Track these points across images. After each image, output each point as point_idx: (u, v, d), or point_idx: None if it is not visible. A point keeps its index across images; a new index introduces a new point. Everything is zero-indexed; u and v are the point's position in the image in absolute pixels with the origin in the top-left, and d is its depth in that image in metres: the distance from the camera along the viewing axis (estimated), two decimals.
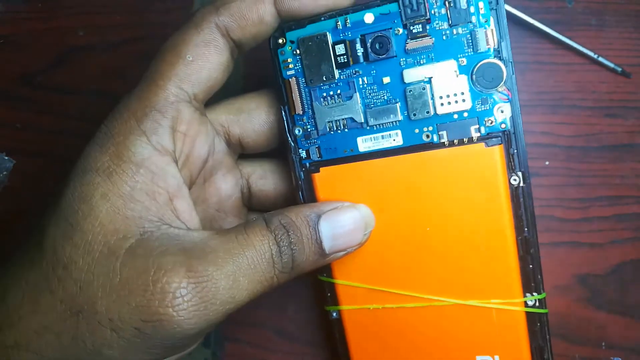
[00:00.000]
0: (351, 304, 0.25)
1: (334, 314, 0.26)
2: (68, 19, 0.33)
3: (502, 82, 0.22)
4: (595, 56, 0.31)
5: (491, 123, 0.23)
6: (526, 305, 0.23)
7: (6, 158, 0.32)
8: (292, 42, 0.24)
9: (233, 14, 0.22)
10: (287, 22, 0.23)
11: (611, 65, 0.31)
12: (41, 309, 0.19)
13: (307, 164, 0.25)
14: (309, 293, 0.30)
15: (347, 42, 0.23)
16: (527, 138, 0.31)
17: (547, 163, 0.31)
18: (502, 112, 0.22)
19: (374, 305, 0.25)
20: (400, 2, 0.22)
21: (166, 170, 0.21)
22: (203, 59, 0.22)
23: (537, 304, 0.24)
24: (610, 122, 0.31)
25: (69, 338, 0.19)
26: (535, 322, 0.24)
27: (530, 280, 0.23)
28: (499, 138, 0.23)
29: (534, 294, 0.23)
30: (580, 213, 0.31)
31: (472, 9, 0.22)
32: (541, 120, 0.31)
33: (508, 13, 0.31)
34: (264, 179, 0.27)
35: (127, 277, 0.19)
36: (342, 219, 0.22)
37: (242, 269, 0.20)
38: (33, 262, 0.20)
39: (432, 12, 0.22)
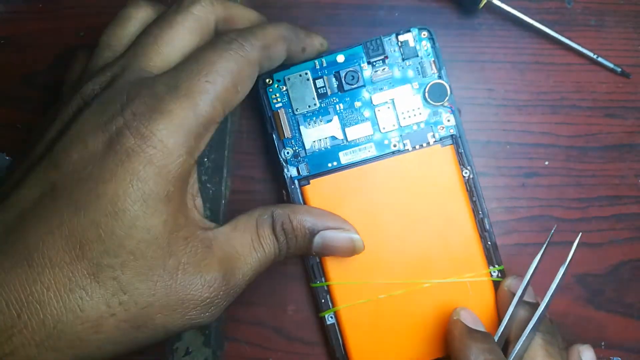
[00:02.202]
0: (346, 303, 0.28)
1: (329, 319, 0.28)
2: (69, 20, 0.33)
3: (447, 98, 0.28)
4: (595, 56, 0.31)
5: (442, 129, 0.29)
6: (491, 275, 0.28)
7: (7, 158, 0.32)
8: (278, 80, 0.29)
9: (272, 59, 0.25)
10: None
11: (610, 65, 0.31)
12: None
13: (297, 180, 0.29)
14: (309, 292, 0.31)
15: (325, 77, 0.29)
16: (526, 138, 0.31)
17: (546, 163, 0.31)
18: (448, 120, 0.29)
19: (367, 299, 0.28)
20: (364, 45, 0.29)
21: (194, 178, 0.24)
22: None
23: (500, 274, 0.28)
24: (609, 122, 0.31)
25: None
26: None
27: (491, 255, 0.28)
28: (450, 140, 0.29)
29: (496, 265, 0.28)
30: (579, 213, 0.31)
31: (417, 47, 0.29)
32: (541, 120, 0.31)
33: (508, 13, 0.31)
34: None
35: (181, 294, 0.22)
36: (336, 242, 0.26)
37: (256, 269, 0.24)
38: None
39: (389, 50, 0.29)
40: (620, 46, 0.32)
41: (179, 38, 0.23)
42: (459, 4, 0.32)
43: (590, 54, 0.31)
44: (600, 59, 0.31)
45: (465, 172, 0.29)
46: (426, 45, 0.29)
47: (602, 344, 0.30)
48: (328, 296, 0.28)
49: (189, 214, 0.22)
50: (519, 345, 0.25)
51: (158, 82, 0.21)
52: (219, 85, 0.21)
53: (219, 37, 0.23)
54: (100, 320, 0.20)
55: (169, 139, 0.20)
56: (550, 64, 0.32)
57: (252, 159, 0.32)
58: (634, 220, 0.31)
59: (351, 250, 0.26)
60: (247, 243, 0.24)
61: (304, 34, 0.27)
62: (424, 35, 0.29)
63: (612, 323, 0.30)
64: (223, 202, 0.31)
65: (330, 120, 0.29)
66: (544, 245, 0.27)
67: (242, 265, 0.23)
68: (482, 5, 0.30)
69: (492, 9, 0.31)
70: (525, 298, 0.27)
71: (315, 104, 0.29)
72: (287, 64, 0.28)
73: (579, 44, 0.31)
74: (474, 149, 0.31)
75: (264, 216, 0.24)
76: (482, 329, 0.26)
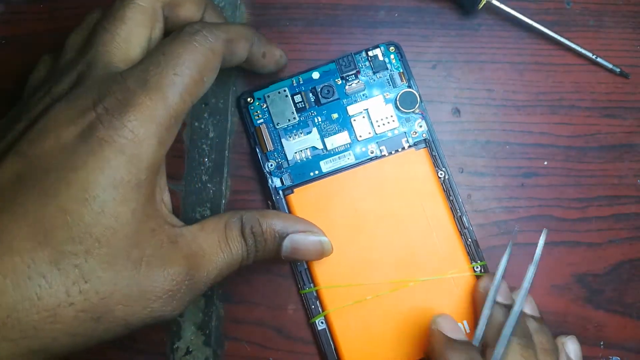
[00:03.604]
0: (335, 307, 0.29)
1: (320, 325, 0.29)
2: (69, 20, 0.33)
3: (417, 105, 0.30)
4: (594, 57, 0.31)
5: (415, 134, 0.30)
6: (474, 271, 0.29)
7: None
8: (259, 98, 0.31)
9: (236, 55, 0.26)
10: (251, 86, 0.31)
11: (609, 65, 0.31)
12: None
13: (281, 191, 0.30)
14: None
15: (302, 93, 0.31)
16: (526, 138, 0.31)
17: (545, 163, 0.31)
18: (420, 126, 0.30)
19: (355, 300, 0.29)
20: (337, 62, 0.31)
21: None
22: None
23: (482, 269, 0.29)
24: (608, 123, 0.32)
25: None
26: None
27: (473, 251, 0.29)
28: (424, 144, 0.30)
29: (478, 261, 0.29)
30: (578, 213, 0.31)
31: (386, 60, 0.31)
32: (540, 120, 0.32)
33: (507, 14, 0.31)
34: None
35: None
36: (305, 244, 0.26)
37: (221, 269, 0.24)
38: None
39: (360, 65, 0.31)
40: (619, 46, 0.32)
41: (134, 33, 0.23)
42: (458, 4, 0.32)
43: (589, 55, 0.31)
44: (599, 60, 0.31)
45: (441, 173, 0.30)
46: (394, 58, 0.31)
47: (601, 343, 0.30)
48: (318, 302, 0.29)
49: (157, 207, 0.23)
50: (498, 351, 0.25)
51: (128, 77, 0.21)
52: (187, 77, 0.22)
53: (184, 29, 0.23)
54: (57, 309, 0.19)
55: (140, 129, 0.21)
56: (549, 65, 0.32)
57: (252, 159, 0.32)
58: (633, 220, 0.31)
59: (320, 253, 0.27)
60: (214, 243, 0.24)
61: (265, 40, 0.28)
62: (392, 49, 0.31)
63: (611, 323, 0.30)
64: (223, 202, 0.31)
65: (309, 132, 0.30)
66: (508, 248, 0.27)
67: (207, 264, 0.23)
68: (481, 5, 0.31)
69: (491, 9, 0.31)
70: (501, 300, 0.27)
71: (294, 118, 0.30)
72: (263, 84, 0.31)
73: (578, 45, 0.31)
74: (473, 149, 0.31)
75: (232, 219, 0.25)
76: (462, 337, 0.26)
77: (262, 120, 0.31)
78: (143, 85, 0.21)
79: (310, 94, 0.31)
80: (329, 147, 0.30)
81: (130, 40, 0.23)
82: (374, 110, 0.30)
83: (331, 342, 0.29)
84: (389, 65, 0.31)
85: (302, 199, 0.30)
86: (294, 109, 0.30)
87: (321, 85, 0.31)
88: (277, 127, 0.30)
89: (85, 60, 0.23)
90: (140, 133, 0.21)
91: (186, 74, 0.22)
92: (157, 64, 0.22)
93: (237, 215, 0.25)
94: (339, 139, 0.30)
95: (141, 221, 0.21)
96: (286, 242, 0.26)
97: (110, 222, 0.20)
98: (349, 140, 0.30)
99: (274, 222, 0.25)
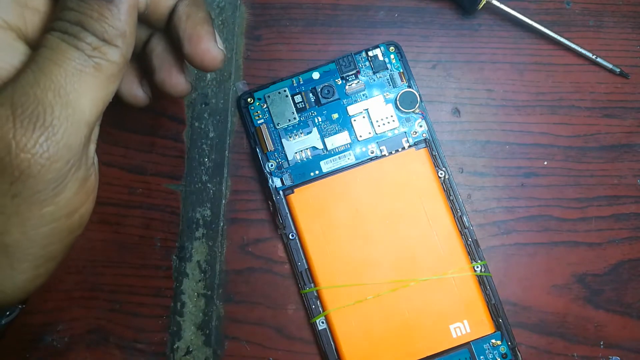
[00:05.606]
0: (335, 306, 0.29)
1: (321, 325, 0.29)
2: None
3: (417, 105, 0.30)
4: (594, 57, 0.31)
5: (415, 134, 0.31)
6: (475, 270, 0.29)
7: None
8: (259, 99, 0.31)
9: None
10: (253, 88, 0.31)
11: (609, 65, 0.31)
12: None
13: (281, 191, 0.30)
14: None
15: (303, 93, 0.31)
16: (525, 138, 0.31)
17: (545, 163, 0.31)
18: (420, 126, 0.31)
19: (356, 300, 0.29)
20: (337, 62, 0.31)
21: (12, 46, 0.20)
22: None
23: (483, 269, 0.29)
24: (608, 123, 0.32)
25: None
26: (485, 285, 0.29)
27: (473, 251, 0.29)
28: (424, 144, 0.30)
29: (478, 261, 0.29)
30: (578, 213, 0.31)
31: (386, 60, 0.31)
32: (540, 120, 0.32)
33: (507, 14, 0.31)
34: None
35: None
36: None
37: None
38: None
39: (360, 65, 0.31)
40: (618, 47, 0.32)
41: None
42: (458, 4, 0.32)
43: (589, 55, 0.31)
44: (599, 60, 0.31)
45: (441, 173, 0.30)
46: (394, 58, 0.31)
47: (601, 343, 0.30)
48: (318, 302, 0.29)
49: None
50: None
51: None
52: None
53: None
54: None
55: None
56: (549, 65, 0.32)
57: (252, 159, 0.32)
58: (633, 220, 0.31)
59: None
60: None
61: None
62: (392, 49, 0.31)
63: (611, 322, 0.30)
64: (223, 202, 0.31)
65: (310, 132, 0.31)
66: None
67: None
68: (481, 5, 0.31)
69: (491, 9, 0.32)
70: None
71: (295, 118, 0.31)
72: (264, 84, 0.31)
73: (577, 45, 0.31)
74: (473, 149, 0.31)
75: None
76: None
77: (262, 121, 0.31)
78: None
79: (311, 94, 0.31)
80: (329, 147, 0.30)
81: None
82: (374, 110, 0.31)
83: (332, 342, 0.29)
84: (389, 65, 0.31)
85: (303, 199, 0.30)
86: (294, 109, 0.31)
87: (321, 85, 0.31)
88: (278, 127, 0.31)
89: None
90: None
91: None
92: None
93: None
94: (339, 139, 0.30)
95: None
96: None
97: None
98: (349, 140, 0.30)
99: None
